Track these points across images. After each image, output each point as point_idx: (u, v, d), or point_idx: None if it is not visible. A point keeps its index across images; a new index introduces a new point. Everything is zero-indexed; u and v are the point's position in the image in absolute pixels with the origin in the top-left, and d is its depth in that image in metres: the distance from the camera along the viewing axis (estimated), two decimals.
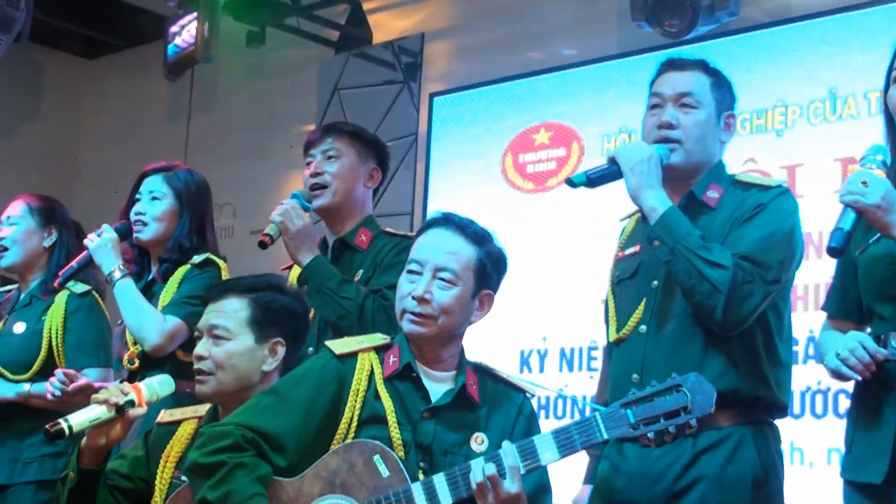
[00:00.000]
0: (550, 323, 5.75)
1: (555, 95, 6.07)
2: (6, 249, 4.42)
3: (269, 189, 7.42)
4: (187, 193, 4.08)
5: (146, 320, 3.83)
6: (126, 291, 3.89)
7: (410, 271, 2.87)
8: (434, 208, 6.35)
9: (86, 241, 3.99)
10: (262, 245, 3.65)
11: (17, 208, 4.49)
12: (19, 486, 4.22)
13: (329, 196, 3.74)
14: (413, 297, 2.82)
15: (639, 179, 2.99)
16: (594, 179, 3.08)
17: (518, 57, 6.35)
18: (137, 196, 4.07)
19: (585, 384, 5.50)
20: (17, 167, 8.07)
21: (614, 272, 3.24)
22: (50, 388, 4.04)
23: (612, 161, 3.05)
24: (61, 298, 4.36)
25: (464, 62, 6.71)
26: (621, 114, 5.70)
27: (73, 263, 4.08)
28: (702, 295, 2.87)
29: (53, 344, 4.29)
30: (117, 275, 3.90)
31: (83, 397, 4.00)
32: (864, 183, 2.69)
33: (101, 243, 3.95)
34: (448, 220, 2.91)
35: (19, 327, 4.37)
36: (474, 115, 6.39)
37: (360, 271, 3.67)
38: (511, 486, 2.60)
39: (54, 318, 4.33)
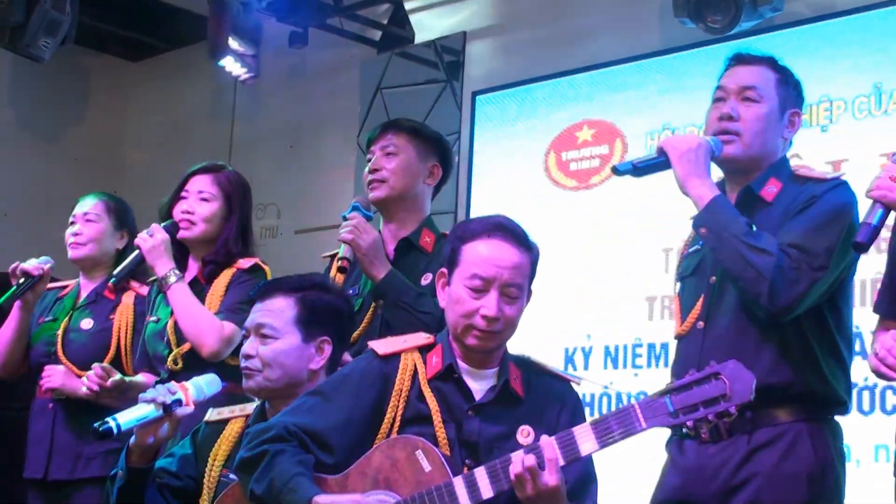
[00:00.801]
0: (594, 320, 5.74)
1: (597, 92, 6.05)
2: (81, 245, 4.46)
3: (313, 189, 7.47)
4: (235, 195, 4.08)
5: (205, 326, 3.81)
6: (183, 295, 3.87)
7: (474, 288, 2.83)
8: (476, 207, 6.36)
9: (137, 241, 3.97)
10: (343, 270, 3.58)
11: (94, 206, 4.53)
12: (82, 482, 4.27)
13: (385, 189, 3.73)
14: (485, 317, 2.81)
15: (686, 168, 3.00)
16: (641, 168, 3.10)
17: (560, 54, 6.33)
18: (183, 194, 4.05)
19: (630, 382, 5.49)
20: (63, 169, 8.13)
21: (678, 269, 3.27)
22: (87, 381, 4.08)
23: (661, 151, 3.06)
24: (129, 299, 4.41)
25: (506, 60, 6.70)
26: (664, 110, 5.69)
27: (127, 263, 4.06)
28: (747, 281, 2.88)
29: (122, 343, 4.34)
30: (173, 279, 3.87)
31: (118, 393, 4.06)
32: (893, 178, 2.68)
33: (154, 245, 3.92)
34: (503, 229, 2.86)
35: (87, 323, 4.41)
36: (517, 113, 6.39)
37: (430, 275, 3.63)
38: (549, 478, 2.59)
39: (123, 318, 4.38)
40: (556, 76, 6.26)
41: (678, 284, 3.24)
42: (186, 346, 3.88)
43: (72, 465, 4.30)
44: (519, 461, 2.61)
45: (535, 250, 2.90)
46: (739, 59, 3.19)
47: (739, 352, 2.88)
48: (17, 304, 4.46)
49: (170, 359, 3.89)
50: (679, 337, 3.14)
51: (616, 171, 3.14)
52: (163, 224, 3.99)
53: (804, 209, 2.98)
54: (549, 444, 2.63)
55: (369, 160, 3.80)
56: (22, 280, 4.40)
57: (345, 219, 3.62)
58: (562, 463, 2.63)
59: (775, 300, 2.86)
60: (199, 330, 3.82)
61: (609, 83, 6.03)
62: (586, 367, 5.68)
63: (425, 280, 3.63)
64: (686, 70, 5.67)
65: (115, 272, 4.00)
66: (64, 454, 4.31)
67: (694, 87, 5.47)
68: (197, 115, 8.46)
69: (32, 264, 4.42)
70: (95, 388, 4.05)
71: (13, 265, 4.45)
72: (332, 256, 3.86)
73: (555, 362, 5.61)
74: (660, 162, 3.07)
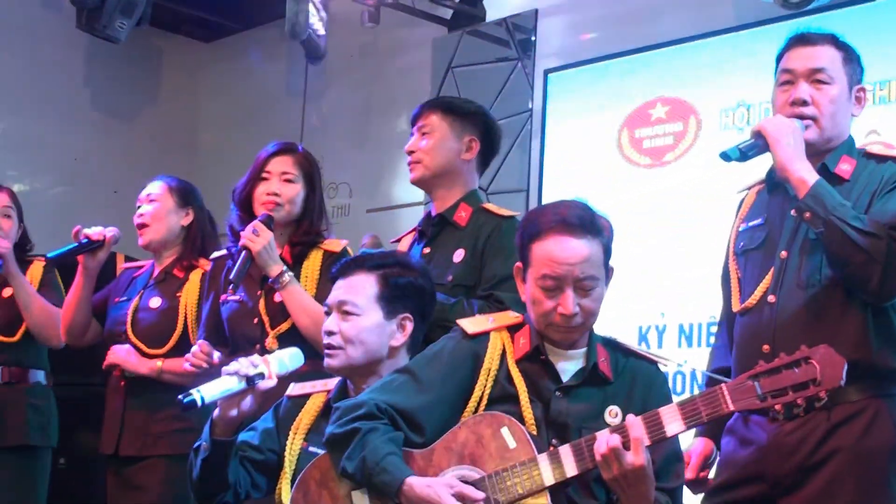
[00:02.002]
0: (669, 298, 5.71)
1: (671, 69, 5.99)
2: (146, 226, 4.52)
3: (385, 168, 7.49)
4: (314, 174, 4.09)
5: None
6: (298, 296, 3.84)
7: (547, 288, 2.82)
8: (549, 185, 6.34)
9: (244, 242, 3.87)
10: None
11: (157, 187, 4.58)
12: (151, 459, 4.34)
13: (420, 170, 3.79)
14: (563, 315, 2.80)
15: (787, 152, 2.97)
16: (745, 153, 3.07)
17: (633, 31, 6.28)
18: (265, 175, 4.02)
19: (704, 360, 5.45)
20: (138, 149, 8.22)
21: (738, 243, 3.22)
22: (190, 359, 4.10)
23: (758, 135, 3.03)
24: (196, 276, 4.47)
25: (578, 37, 6.66)
26: (739, 87, 5.63)
27: (239, 266, 3.89)
28: (856, 265, 2.84)
29: (188, 321, 4.39)
30: (286, 278, 3.84)
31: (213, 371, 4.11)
32: None
33: (263, 244, 3.85)
34: (567, 223, 2.83)
35: (155, 302, 4.47)
36: (589, 91, 6.35)
37: (462, 250, 3.68)
38: (635, 458, 2.60)
39: (189, 295, 4.43)
40: (629, 53, 6.21)
41: (738, 258, 3.20)
42: (283, 327, 3.88)
43: (141, 443, 4.37)
44: (603, 441, 2.61)
45: (605, 232, 2.88)
46: (802, 40, 3.14)
47: (818, 328, 2.89)
48: (79, 270, 4.54)
49: (268, 339, 3.88)
50: (744, 311, 3.10)
51: (725, 157, 3.11)
52: (260, 219, 3.93)
53: (894, 189, 2.95)
54: (635, 423, 2.63)
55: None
56: (82, 241, 4.48)
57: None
58: (647, 443, 2.63)
59: (886, 284, 2.84)
60: (319, 327, 3.72)
61: (683, 59, 5.97)
62: (660, 346, 5.65)
63: (457, 256, 3.68)
64: (761, 46, 5.59)
65: (232, 278, 3.86)
66: (134, 431, 4.39)
67: (769, 64, 5.35)
68: (269, 95, 8.50)
69: (95, 230, 4.49)
70: (204, 364, 4.00)
71: (76, 228, 4.53)
72: (399, 240, 3.92)
73: (628, 341, 5.64)
74: (759, 145, 3.04)
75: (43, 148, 7.69)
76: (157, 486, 4.32)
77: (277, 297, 3.89)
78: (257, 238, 3.84)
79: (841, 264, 2.89)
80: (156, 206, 4.53)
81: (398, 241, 4.02)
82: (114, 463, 4.46)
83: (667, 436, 2.65)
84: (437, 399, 2.84)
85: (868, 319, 2.92)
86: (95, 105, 8.15)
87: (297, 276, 3.92)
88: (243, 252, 3.86)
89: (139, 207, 4.56)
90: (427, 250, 3.79)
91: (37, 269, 5.04)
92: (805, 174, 2.94)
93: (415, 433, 2.81)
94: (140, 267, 4.70)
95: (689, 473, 3.08)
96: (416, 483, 2.66)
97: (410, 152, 3.82)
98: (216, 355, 3.99)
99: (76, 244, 4.49)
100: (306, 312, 3.81)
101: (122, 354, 4.41)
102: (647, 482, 2.63)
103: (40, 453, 4.93)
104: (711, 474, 3.20)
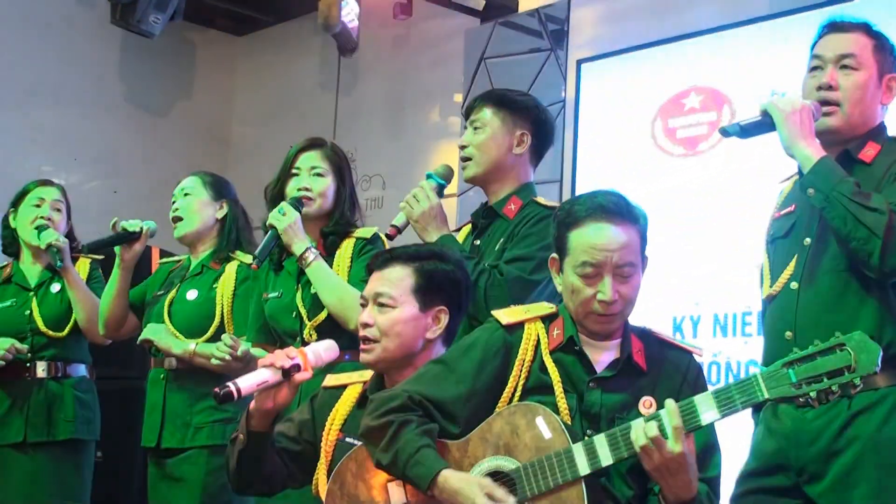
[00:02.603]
0: (703, 288, 5.69)
1: (704, 59, 5.97)
2: (181, 220, 4.56)
3: (418, 160, 7.49)
4: (344, 168, 4.15)
5: (350, 300, 3.81)
6: (323, 272, 3.90)
7: (586, 275, 2.82)
8: (582, 176, 6.33)
9: (271, 221, 3.97)
10: (389, 237, 3.76)
11: (191, 182, 4.63)
12: (192, 451, 4.37)
13: (472, 168, 3.79)
14: (603, 302, 2.80)
15: (792, 130, 2.97)
16: (747, 130, 3.08)
17: (666, 20, 6.27)
18: (294, 171, 4.10)
19: (739, 350, 5.44)
20: (172, 143, 8.26)
21: (769, 231, 3.23)
22: (216, 352, 4.16)
23: (765, 113, 3.03)
24: (231, 268, 4.50)
25: (611, 27, 6.65)
26: (773, 76, 5.60)
27: (265, 243, 4.02)
28: (858, 241, 2.84)
29: (224, 312, 4.42)
30: (311, 256, 3.90)
31: (243, 364, 4.13)
32: None
33: (289, 223, 3.94)
34: (605, 210, 2.84)
35: (192, 294, 4.51)
36: (622, 81, 6.33)
37: (501, 240, 3.69)
38: (675, 446, 2.58)
39: (225, 286, 4.46)
40: (662, 42, 6.19)
41: (768, 247, 3.21)
42: (320, 318, 3.92)
43: (182, 434, 4.40)
44: (641, 431, 2.61)
45: (641, 220, 2.88)
46: (834, 27, 3.14)
47: (839, 313, 2.90)
48: (116, 262, 4.59)
49: (306, 331, 3.92)
50: (770, 298, 3.12)
51: (724, 132, 3.13)
52: (289, 201, 4.02)
53: None
54: (672, 411, 2.62)
55: None
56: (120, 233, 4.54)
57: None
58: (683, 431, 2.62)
59: (886, 260, 2.83)
60: (344, 304, 3.84)
61: (716, 48, 5.94)
62: (695, 336, 5.63)
63: (499, 245, 3.69)
64: (795, 35, 5.57)
65: (256, 253, 4.00)
66: (175, 423, 4.42)
67: (803, 52, 5.31)
68: (302, 89, 8.52)
69: (132, 222, 4.56)
70: (228, 357, 4.12)
71: (114, 219, 4.59)
72: (458, 230, 3.95)
73: (663, 331, 5.63)
74: (765, 123, 3.05)
75: (77, 143, 7.74)
76: (198, 477, 4.34)
77: (313, 289, 3.92)
78: (283, 217, 3.93)
79: (844, 240, 2.89)
80: (190, 199, 4.57)
81: (456, 231, 4.02)
82: (155, 455, 4.50)
83: (701, 424, 2.64)
84: (472, 390, 2.84)
85: (890, 304, 2.92)
86: (129, 99, 8.20)
87: (329, 265, 3.96)
88: (270, 230, 3.95)
89: (174, 202, 4.60)
90: (477, 242, 3.81)
91: (83, 265, 5.07)
92: (809, 151, 2.95)
93: (450, 424, 2.81)
94: (177, 261, 4.75)
95: None
96: (450, 476, 2.67)
97: (463, 147, 3.82)
98: (242, 348, 4.09)
99: (113, 234, 4.56)
100: (331, 289, 3.86)
101: (155, 335, 4.45)
102: (689, 471, 2.62)
103: (86, 447, 4.96)
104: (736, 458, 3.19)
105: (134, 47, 7.97)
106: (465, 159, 3.80)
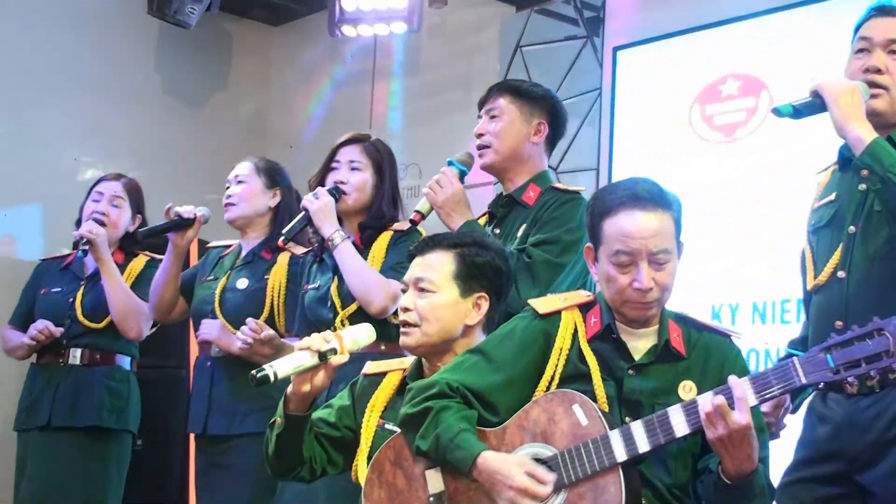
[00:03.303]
0: (742, 276, 5.67)
1: (741, 45, 5.94)
2: (234, 205, 4.58)
3: (454, 149, 7.40)
4: (383, 162, 4.18)
5: (373, 283, 3.89)
6: (349, 254, 3.95)
7: (621, 264, 2.81)
8: (619, 163, 6.31)
9: (304, 203, 4.06)
10: (413, 223, 3.78)
11: (245, 168, 4.65)
12: (240, 438, 4.39)
13: (490, 155, 3.82)
14: (638, 290, 2.79)
15: (843, 111, 2.94)
16: (799, 110, 3.05)
17: (703, 6, 6.22)
18: (334, 165, 4.15)
19: (778, 338, 5.42)
20: (208, 134, 8.27)
21: (810, 221, 3.21)
22: (240, 335, 4.18)
23: (816, 94, 3.01)
24: (283, 259, 4.51)
25: (647, 14, 6.60)
26: (811, 62, 5.57)
27: (295, 223, 4.15)
28: None
29: (275, 303, 4.44)
30: (338, 239, 3.96)
31: (271, 349, 4.15)
32: None
33: (320, 206, 4.01)
34: (637, 197, 2.82)
35: (242, 283, 4.53)
36: (659, 68, 6.31)
37: (524, 226, 3.70)
38: (740, 417, 2.57)
39: (277, 277, 4.48)
40: (699, 28, 6.16)
41: (810, 237, 3.19)
42: (352, 308, 3.97)
43: (229, 421, 4.42)
44: (708, 401, 2.59)
45: (675, 205, 2.86)
46: (883, 11, 3.12)
47: (888, 300, 2.86)
48: (168, 248, 4.62)
49: (337, 321, 3.96)
50: (816, 288, 3.09)
51: (777, 112, 3.10)
52: (327, 188, 4.08)
53: None
54: (738, 383, 2.60)
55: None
56: (174, 219, 4.58)
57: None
58: (752, 402, 2.61)
59: None
60: (367, 287, 3.90)
61: (754, 34, 5.91)
62: (733, 324, 5.61)
63: (520, 232, 3.71)
64: (833, 19, 5.53)
65: (284, 231, 4.10)
66: (221, 410, 4.44)
67: (841, 37, 5.29)
68: (337, 78, 8.52)
69: (186, 208, 4.58)
70: (250, 340, 4.17)
71: (168, 205, 4.61)
72: (483, 216, 3.94)
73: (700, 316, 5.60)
74: (816, 104, 3.02)
75: (114, 134, 7.77)
76: (244, 464, 4.36)
77: None
78: (316, 200, 4.00)
79: None
80: (244, 187, 4.59)
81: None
82: (201, 443, 4.53)
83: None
84: (509, 378, 2.85)
85: None
86: (166, 90, 8.22)
87: (365, 258, 4.00)
88: (302, 212, 4.04)
89: (227, 187, 4.62)
90: (497, 231, 3.82)
91: (139, 262, 5.12)
92: (862, 132, 2.91)
93: (488, 412, 2.82)
94: (227, 246, 4.76)
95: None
96: (490, 456, 2.68)
97: (480, 135, 3.84)
98: (266, 333, 4.17)
99: (168, 221, 4.58)
100: (354, 271, 3.91)
101: (215, 332, 4.46)
102: (752, 443, 2.61)
103: (115, 437, 4.96)
104: (785, 444, 3.18)
105: (170, 38, 7.99)
106: (483, 147, 3.82)
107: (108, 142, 7.73)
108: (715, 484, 2.69)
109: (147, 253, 5.15)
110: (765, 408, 2.98)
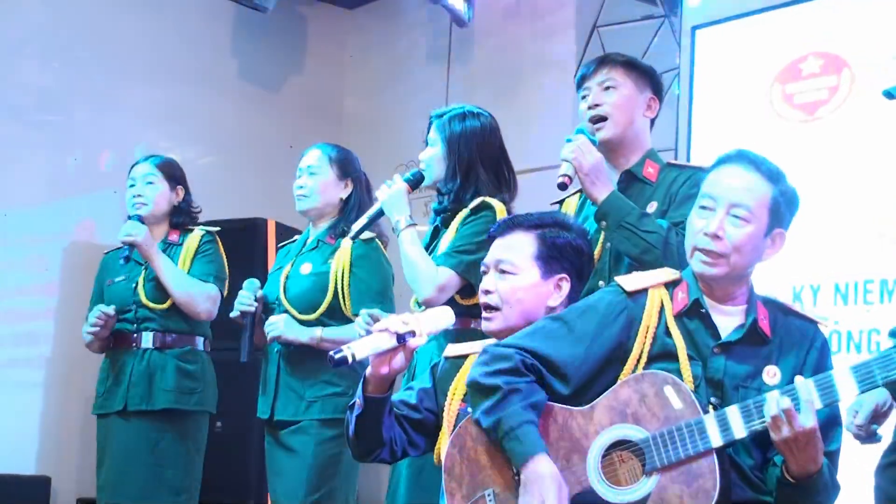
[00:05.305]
0: (823, 257, 5.58)
1: (823, 22, 5.85)
2: (306, 197, 4.59)
3: (530, 129, 7.44)
4: (452, 137, 4.07)
5: (419, 273, 3.87)
6: (406, 241, 3.92)
7: (703, 207, 2.81)
8: (698, 143, 6.24)
9: (377, 194, 4.05)
10: (562, 186, 3.58)
11: (316, 158, 4.65)
12: (304, 423, 4.46)
13: (612, 128, 3.70)
14: (706, 234, 2.78)
15: None
16: None
17: None
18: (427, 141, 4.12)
19: (861, 319, 5.34)
20: (285, 118, 8.31)
21: None
22: (357, 327, 4.18)
23: None
24: (347, 243, 4.52)
25: None
26: (894, 40, 5.47)
27: (365, 218, 4.11)
28: None
29: (339, 287, 4.46)
30: (402, 224, 3.93)
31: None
32: None
33: (391, 193, 3.99)
34: (743, 157, 2.84)
35: (306, 268, 4.55)
36: (738, 47, 6.22)
37: (655, 203, 3.62)
38: (806, 420, 2.55)
39: (340, 262, 4.50)
40: (779, 7, 6.05)
41: None
42: None
43: (295, 407, 4.48)
44: (774, 402, 2.57)
45: (779, 184, 2.85)
46: None
47: None
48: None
49: (412, 301, 3.98)
50: None
51: (889, 95, 3.05)
52: (405, 176, 4.05)
53: None
54: (805, 386, 2.58)
55: (584, 97, 3.77)
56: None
57: (568, 141, 3.59)
58: (818, 406, 2.58)
59: None
60: (413, 276, 3.89)
61: (835, 12, 5.81)
62: (815, 305, 5.54)
63: (650, 208, 3.60)
64: None
65: (354, 228, 4.08)
66: (288, 396, 4.49)
67: None
68: (413, 61, 8.51)
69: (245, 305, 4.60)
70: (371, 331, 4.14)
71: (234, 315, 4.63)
72: (560, 203, 3.89)
73: (787, 300, 5.53)
74: None
75: (192, 118, 7.83)
76: (310, 448, 4.43)
77: None
78: (387, 189, 4.00)
79: None
80: (316, 179, 4.61)
81: (559, 203, 3.97)
82: (270, 427, 4.58)
83: (838, 399, 2.61)
84: (587, 353, 2.82)
85: None
86: (243, 75, 8.27)
87: (439, 239, 4.00)
88: (375, 205, 4.04)
89: (299, 177, 4.63)
90: None
91: (194, 238, 5.14)
92: None
93: (561, 382, 2.80)
94: (293, 241, 4.83)
95: (859, 420, 3.03)
96: (545, 462, 2.66)
97: (594, 106, 3.71)
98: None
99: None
100: (408, 260, 3.89)
101: (280, 328, 4.49)
102: (817, 445, 2.59)
103: (191, 417, 5.01)
104: (884, 428, 3.13)
105: (246, 22, 8.04)
106: (600, 119, 3.70)
107: (185, 126, 7.79)
108: (779, 479, 2.68)
109: (200, 227, 5.18)
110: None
